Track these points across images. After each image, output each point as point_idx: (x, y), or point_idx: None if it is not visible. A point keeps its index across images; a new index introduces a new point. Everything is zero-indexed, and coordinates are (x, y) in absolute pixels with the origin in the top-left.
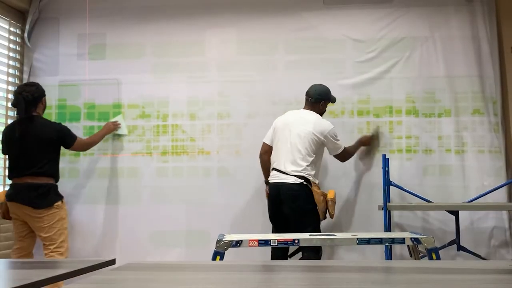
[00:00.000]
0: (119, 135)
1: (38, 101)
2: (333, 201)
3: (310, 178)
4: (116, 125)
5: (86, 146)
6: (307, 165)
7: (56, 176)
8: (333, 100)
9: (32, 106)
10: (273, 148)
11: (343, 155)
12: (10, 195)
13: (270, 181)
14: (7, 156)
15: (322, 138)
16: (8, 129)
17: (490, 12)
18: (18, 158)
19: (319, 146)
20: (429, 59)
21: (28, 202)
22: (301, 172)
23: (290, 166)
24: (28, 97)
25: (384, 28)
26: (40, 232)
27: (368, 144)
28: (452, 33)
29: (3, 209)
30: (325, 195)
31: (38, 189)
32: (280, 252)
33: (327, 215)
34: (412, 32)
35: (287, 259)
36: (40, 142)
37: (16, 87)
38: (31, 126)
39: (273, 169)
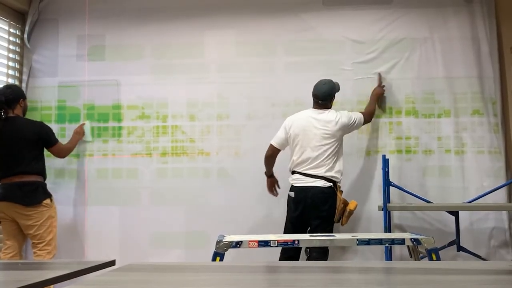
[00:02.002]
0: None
1: (14, 103)
2: (351, 213)
3: (337, 182)
4: (82, 129)
5: (65, 151)
6: (334, 166)
7: (43, 174)
8: (338, 89)
9: (7, 108)
10: (294, 152)
11: (367, 120)
12: (0, 195)
13: (295, 185)
14: None
15: (348, 128)
16: None
17: (489, 13)
18: (3, 158)
19: (341, 141)
20: (429, 60)
21: (17, 200)
22: (329, 175)
23: (318, 169)
24: (1, 99)
25: (384, 29)
26: (29, 230)
27: (382, 93)
28: (451, 34)
29: None
30: (345, 203)
31: (26, 187)
32: (291, 252)
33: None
34: (412, 33)
35: (298, 259)
36: (23, 140)
37: None
38: (9, 126)
39: (297, 172)
